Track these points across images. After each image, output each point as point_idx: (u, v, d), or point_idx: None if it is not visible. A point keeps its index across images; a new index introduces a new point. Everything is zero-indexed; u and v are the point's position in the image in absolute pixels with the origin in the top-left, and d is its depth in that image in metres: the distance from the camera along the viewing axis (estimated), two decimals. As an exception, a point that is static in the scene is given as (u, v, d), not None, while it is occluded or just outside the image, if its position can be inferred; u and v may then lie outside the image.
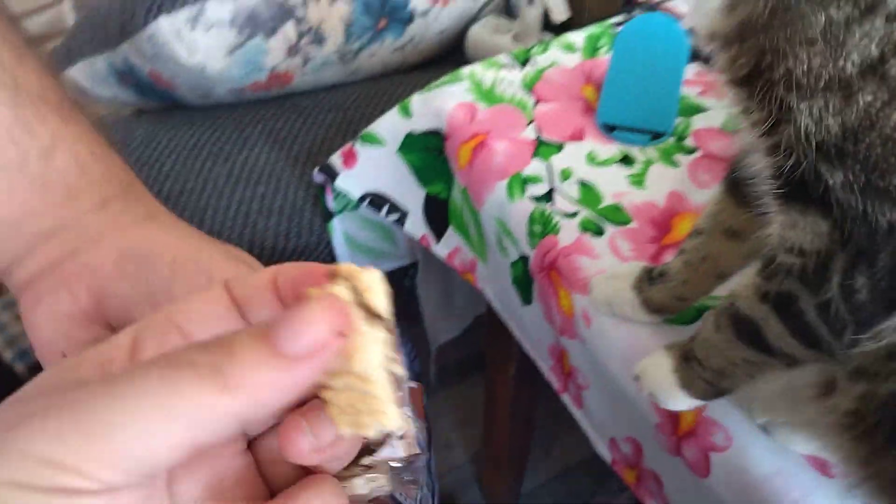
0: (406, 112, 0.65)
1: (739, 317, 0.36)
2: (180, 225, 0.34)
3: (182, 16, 0.67)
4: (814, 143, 0.27)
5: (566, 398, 0.60)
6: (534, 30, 0.83)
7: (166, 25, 0.66)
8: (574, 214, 0.55)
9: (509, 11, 0.89)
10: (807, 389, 0.42)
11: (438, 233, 0.68)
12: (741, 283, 0.37)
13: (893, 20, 0.23)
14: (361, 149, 0.67)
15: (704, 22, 0.29)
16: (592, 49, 0.68)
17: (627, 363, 0.49)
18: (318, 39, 0.75)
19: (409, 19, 0.81)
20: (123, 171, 0.35)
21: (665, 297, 0.47)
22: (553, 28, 0.84)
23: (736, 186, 0.38)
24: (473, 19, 0.87)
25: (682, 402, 0.42)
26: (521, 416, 0.91)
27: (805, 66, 0.25)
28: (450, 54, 0.93)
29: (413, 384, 0.24)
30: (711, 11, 0.29)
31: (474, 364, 1.12)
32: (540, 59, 0.67)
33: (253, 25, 0.70)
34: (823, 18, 0.24)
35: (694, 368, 0.40)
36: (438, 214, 0.67)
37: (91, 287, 0.31)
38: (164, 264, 0.31)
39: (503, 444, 0.94)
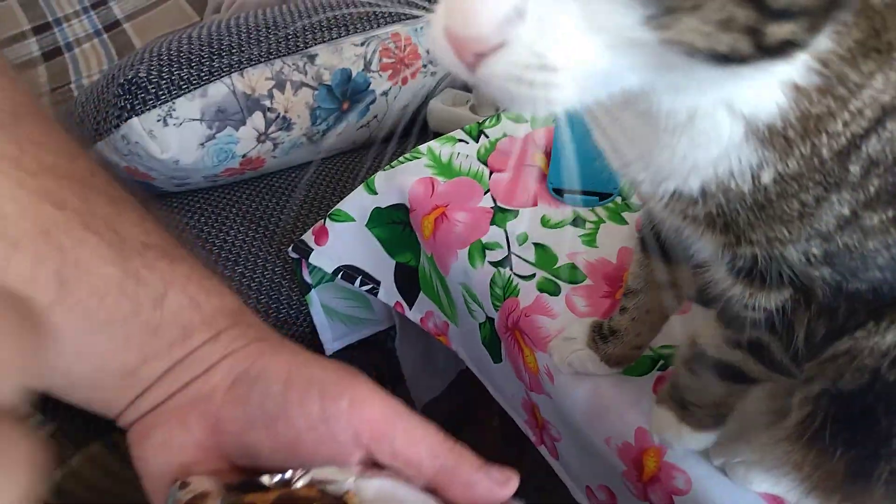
0: (371, 190, 0.69)
1: (716, 362, 0.39)
2: (289, 344, 0.34)
3: (153, 115, 0.71)
4: (799, 261, 0.30)
5: (543, 450, 0.62)
6: (488, 100, 0.89)
7: (138, 125, 0.70)
8: (532, 276, 0.58)
9: (465, 84, 0.95)
10: (761, 419, 0.45)
11: (410, 299, 0.72)
12: (702, 332, 0.40)
13: (857, 188, 0.27)
14: (332, 226, 0.71)
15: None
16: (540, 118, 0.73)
17: (591, 416, 0.52)
18: (286, 125, 0.80)
19: (372, 100, 0.87)
20: (233, 300, 0.35)
21: (623, 351, 0.50)
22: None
23: (656, 247, 0.42)
24: (432, 94, 0.92)
25: (704, 440, 0.45)
26: (513, 461, 0.93)
27: (787, 235, 0.29)
28: (414, 124, 0.98)
29: None
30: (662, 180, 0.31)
31: (462, 417, 1.14)
32: (492, 132, 0.72)
33: (222, 119, 0.74)
34: (797, 204, 0.28)
35: (694, 412, 0.43)
36: (409, 282, 0.71)
37: (204, 416, 0.31)
38: (276, 383, 0.31)
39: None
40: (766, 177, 0.27)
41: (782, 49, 0.21)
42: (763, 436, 0.42)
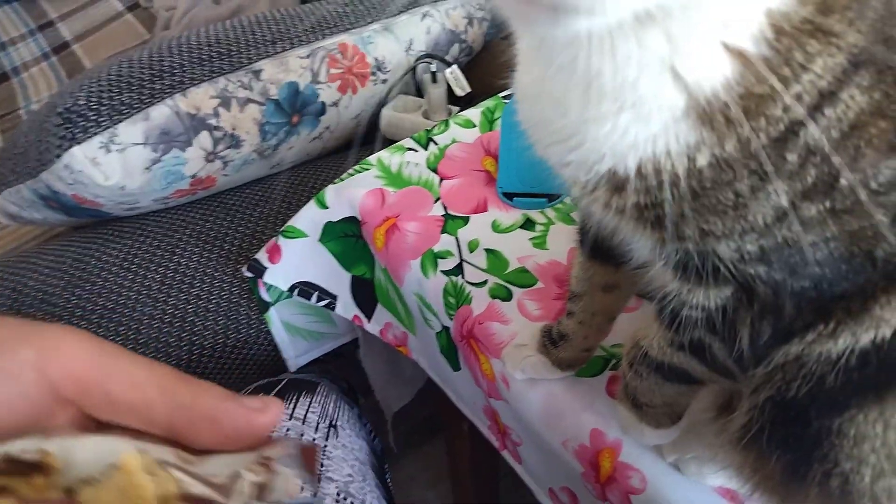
0: (322, 204, 0.69)
1: (661, 364, 0.38)
2: None
3: (94, 143, 0.70)
4: (731, 260, 0.29)
5: (506, 454, 0.62)
6: (440, 105, 0.88)
7: (80, 154, 0.69)
8: (483, 283, 0.58)
9: (417, 90, 0.95)
10: (706, 413, 0.45)
11: (368, 311, 0.71)
12: (643, 333, 0.39)
13: (794, 178, 0.26)
14: (285, 242, 0.70)
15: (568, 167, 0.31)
16: (489, 122, 0.73)
17: (547, 419, 0.52)
18: (235, 143, 0.79)
19: (322, 111, 0.86)
20: None
21: (573, 354, 0.50)
22: (458, 101, 0.90)
23: (595, 249, 0.42)
24: (384, 102, 0.92)
25: (666, 436, 0.45)
26: (483, 469, 0.93)
27: (721, 228, 0.28)
28: (368, 133, 0.98)
29: (307, 444, 0.24)
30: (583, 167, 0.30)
31: (433, 425, 1.14)
32: (441, 139, 0.72)
33: (167, 141, 0.73)
34: (731, 193, 0.27)
35: (647, 412, 0.43)
36: (366, 294, 0.71)
37: None
38: None
39: (471, 497, 0.95)
40: (703, 159, 0.27)
41: None
42: (710, 433, 0.42)
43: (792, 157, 0.26)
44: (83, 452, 0.22)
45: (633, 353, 0.40)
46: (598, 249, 0.42)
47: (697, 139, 0.27)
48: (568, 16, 0.21)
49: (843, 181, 0.27)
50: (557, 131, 0.30)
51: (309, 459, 0.23)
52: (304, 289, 0.72)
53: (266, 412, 0.24)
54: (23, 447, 0.22)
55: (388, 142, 0.81)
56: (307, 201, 0.71)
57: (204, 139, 0.76)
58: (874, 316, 0.28)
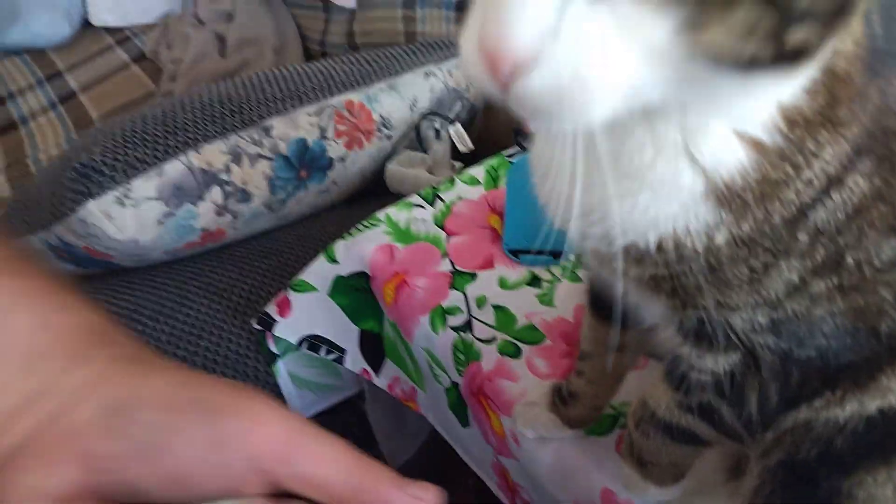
0: (332, 259, 0.70)
1: (668, 425, 0.39)
2: (166, 363, 0.31)
3: (109, 198, 0.71)
4: (743, 330, 0.31)
5: (515, 512, 0.62)
6: (444, 161, 0.91)
7: (95, 209, 0.71)
8: (492, 340, 0.60)
9: (420, 145, 0.97)
10: (716, 475, 0.46)
11: (377, 365, 0.72)
12: (651, 393, 0.40)
13: (805, 256, 0.28)
14: (294, 296, 0.72)
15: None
16: (493, 180, 0.76)
17: (558, 478, 0.52)
18: (245, 197, 0.81)
19: (329, 166, 0.88)
20: (97, 316, 0.31)
21: (583, 412, 0.51)
22: (461, 157, 0.93)
23: (605, 310, 0.44)
24: (389, 156, 0.94)
25: (671, 493, 0.45)
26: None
27: (734, 300, 0.30)
28: (374, 187, 1.00)
29: None
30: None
31: (437, 478, 1.13)
32: (447, 196, 0.74)
33: (180, 196, 0.75)
34: (746, 269, 0.29)
35: (652, 470, 0.44)
36: (374, 348, 0.71)
37: (76, 454, 0.27)
38: (154, 409, 0.27)
39: (474, 557, 0.94)
40: (721, 238, 0.28)
41: (796, 56, 0.21)
42: (720, 493, 0.43)
43: (803, 237, 0.28)
44: None
45: (640, 413, 0.41)
46: (605, 308, 0.44)
47: (716, 219, 0.28)
48: (551, 121, 0.22)
49: (848, 259, 0.28)
50: (580, 205, 0.31)
51: None
52: (314, 342, 0.72)
53: (425, 500, 0.27)
54: None
55: (395, 195, 0.83)
56: (314, 254, 0.72)
57: (215, 194, 0.78)
58: (881, 387, 0.30)
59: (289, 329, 0.72)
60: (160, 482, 0.26)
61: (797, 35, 0.20)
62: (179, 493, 0.26)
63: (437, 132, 0.91)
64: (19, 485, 0.27)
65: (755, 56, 0.20)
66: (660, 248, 0.29)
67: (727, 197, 0.28)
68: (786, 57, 0.21)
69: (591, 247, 0.33)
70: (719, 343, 0.32)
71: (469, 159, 0.91)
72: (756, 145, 0.27)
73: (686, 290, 0.30)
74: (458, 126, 0.92)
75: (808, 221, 0.28)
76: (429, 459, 0.93)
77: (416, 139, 0.97)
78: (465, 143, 0.90)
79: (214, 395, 0.27)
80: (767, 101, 0.26)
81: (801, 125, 0.27)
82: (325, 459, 0.27)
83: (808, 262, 0.29)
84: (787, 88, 0.26)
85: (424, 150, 0.96)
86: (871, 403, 0.30)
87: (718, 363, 0.34)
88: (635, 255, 0.31)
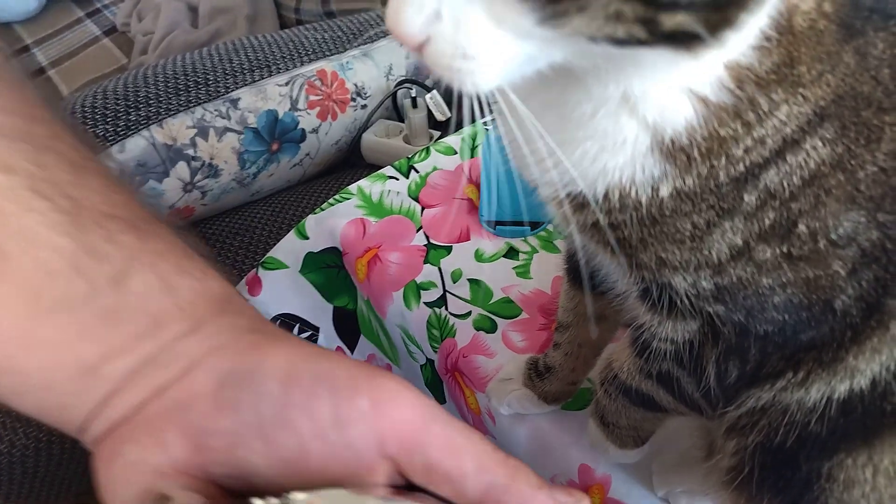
0: (302, 234, 0.68)
1: (628, 388, 0.39)
2: (290, 336, 0.29)
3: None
4: (687, 294, 0.30)
5: (495, 489, 0.61)
6: (421, 131, 0.88)
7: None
8: (467, 314, 0.58)
9: (398, 115, 0.94)
10: (695, 451, 0.45)
11: (352, 343, 0.70)
12: (616, 356, 0.40)
13: (751, 217, 0.27)
14: (265, 274, 0.69)
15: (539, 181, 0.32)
16: (470, 149, 0.73)
17: (535, 455, 0.51)
18: (214, 173, 0.78)
19: (302, 138, 0.85)
20: (220, 284, 0.29)
21: (559, 387, 0.49)
22: (439, 125, 0.90)
23: (580, 278, 0.42)
24: (365, 127, 0.91)
25: (627, 457, 0.44)
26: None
27: (677, 257, 0.29)
28: (349, 158, 0.97)
29: None
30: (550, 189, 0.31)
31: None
32: (422, 166, 0.71)
33: (143, 173, 0.72)
34: (689, 224, 0.28)
35: (613, 430, 0.43)
36: (349, 326, 0.69)
37: (185, 429, 0.25)
38: (273, 381, 0.25)
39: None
40: (665, 190, 0.27)
41: (681, 39, 0.21)
42: (700, 469, 0.41)
43: (749, 198, 0.27)
44: None
45: (605, 372, 0.41)
46: (581, 277, 0.42)
47: (661, 172, 0.27)
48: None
49: (801, 227, 0.27)
50: (534, 152, 0.30)
51: None
52: (286, 321, 0.70)
53: None
54: (337, 500, 0.21)
55: (371, 167, 0.80)
56: (288, 229, 0.69)
57: (181, 170, 0.75)
58: (847, 366, 0.28)
59: (260, 308, 0.69)
60: (274, 462, 0.24)
61: (672, 20, 0.21)
62: (294, 476, 0.24)
63: (414, 101, 0.88)
64: (123, 457, 0.25)
65: (632, 36, 0.21)
66: (606, 197, 0.28)
67: (672, 151, 0.26)
68: (670, 38, 0.21)
69: (548, 194, 0.31)
70: (665, 308, 0.31)
71: (447, 128, 0.88)
72: (703, 102, 0.25)
73: (629, 244, 0.29)
74: (436, 94, 0.88)
75: (758, 182, 0.27)
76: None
77: (392, 108, 0.94)
78: (442, 112, 0.87)
79: (341, 371, 0.25)
80: (708, 60, 0.24)
81: (751, 82, 0.25)
82: (460, 450, 0.23)
83: (754, 225, 0.27)
84: (702, 77, 0.25)
85: (401, 120, 0.93)
86: (841, 386, 0.29)
87: (677, 332, 0.33)
88: (580, 202, 0.29)
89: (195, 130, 0.76)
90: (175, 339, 0.26)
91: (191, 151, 0.75)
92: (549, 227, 0.64)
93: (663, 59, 0.23)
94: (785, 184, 0.26)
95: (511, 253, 0.62)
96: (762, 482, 0.32)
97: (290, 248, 0.68)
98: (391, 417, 0.24)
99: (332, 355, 0.26)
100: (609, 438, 0.43)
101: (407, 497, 0.23)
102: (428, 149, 0.73)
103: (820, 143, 0.26)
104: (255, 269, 0.70)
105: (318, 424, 0.23)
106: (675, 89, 0.25)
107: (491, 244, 0.63)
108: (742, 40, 0.24)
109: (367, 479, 0.23)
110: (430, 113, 0.89)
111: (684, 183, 0.27)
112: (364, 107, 0.91)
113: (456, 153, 0.73)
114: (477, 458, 0.23)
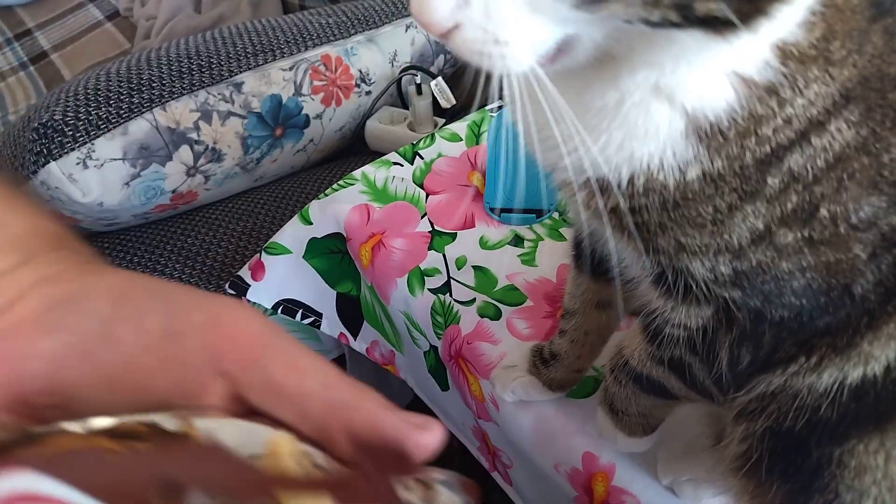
0: (306, 220, 0.67)
1: (639, 375, 0.38)
2: (130, 271, 0.27)
3: (71, 159, 0.68)
4: (705, 280, 0.30)
5: (496, 476, 0.61)
6: (426, 118, 0.87)
7: (56, 170, 0.67)
8: (472, 301, 0.57)
9: (402, 101, 0.93)
10: (702, 440, 0.44)
11: (354, 329, 0.70)
12: (627, 342, 0.39)
13: (773, 201, 0.27)
14: (268, 259, 0.69)
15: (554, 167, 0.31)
16: (475, 136, 0.72)
17: (538, 443, 0.51)
18: (217, 157, 0.77)
19: (306, 123, 0.84)
20: (53, 224, 0.27)
21: (564, 374, 0.49)
22: (444, 113, 0.89)
23: (588, 264, 0.41)
24: (369, 114, 0.91)
25: (640, 444, 0.44)
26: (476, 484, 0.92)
27: (696, 242, 0.28)
28: (353, 145, 0.97)
29: (467, 480, 0.21)
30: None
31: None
32: (427, 153, 0.71)
33: (146, 156, 0.71)
34: (711, 208, 0.27)
35: (622, 419, 0.43)
36: (352, 312, 0.69)
37: (4, 359, 0.23)
38: (104, 300, 0.23)
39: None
40: (692, 173, 0.27)
41: (713, 24, 0.21)
42: (706, 457, 0.41)
43: (773, 181, 0.26)
44: (228, 435, 0.19)
45: (616, 359, 0.40)
46: (588, 262, 0.42)
47: (693, 155, 0.27)
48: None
49: (823, 211, 0.26)
50: (552, 136, 0.29)
51: (470, 492, 0.21)
52: (289, 306, 0.70)
53: (429, 431, 0.21)
54: (168, 420, 0.19)
55: (374, 154, 0.80)
56: (292, 215, 0.69)
57: (184, 153, 0.75)
58: (862, 352, 0.28)
59: (263, 293, 0.69)
60: (98, 382, 0.22)
61: (705, 6, 0.21)
62: (120, 395, 0.21)
63: (419, 87, 0.87)
64: None
65: (665, 20, 0.21)
66: (631, 181, 0.28)
67: (710, 134, 0.26)
68: (702, 22, 0.21)
69: (562, 179, 0.31)
70: (680, 294, 0.31)
71: (452, 115, 0.87)
72: (747, 83, 0.25)
73: (647, 229, 0.29)
74: (441, 80, 0.88)
75: (781, 165, 0.26)
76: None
77: (397, 95, 0.93)
78: (447, 99, 0.86)
79: (179, 290, 0.23)
80: (758, 41, 0.24)
81: (795, 58, 0.25)
82: (303, 368, 0.21)
83: (776, 208, 0.27)
84: (744, 59, 0.25)
85: (406, 107, 0.92)
86: (854, 371, 0.28)
87: (691, 317, 0.32)
88: (601, 186, 0.29)
89: (198, 114, 0.75)
90: (3, 271, 0.24)
91: (194, 135, 0.75)
92: (555, 215, 0.64)
93: (696, 42, 0.23)
94: (809, 167, 0.26)
95: (516, 240, 0.62)
96: (772, 468, 0.32)
97: (293, 234, 0.68)
98: (229, 332, 0.22)
99: (174, 283, 0.25)
100: (618, 427, 0.43)
101: (249, 420, 0.21)
102: (433, 135, 0.73)
103: (844, 126, 0.25)
104: (258, 254, 0.70)
105: (147, 338, 0.21)
106: (717, 73, 0.25)
107: (496, 231, 0.63)
108: (789, 19, 0.24)
109: (198, 399, 0.21)
110: (434, 100, 0.89)
111: (712, 165, 0.27)
112: (368, 93, 0.90)
113: (461, 140, 0.72)
114: (321, 377, 0.21)
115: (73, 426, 0.19)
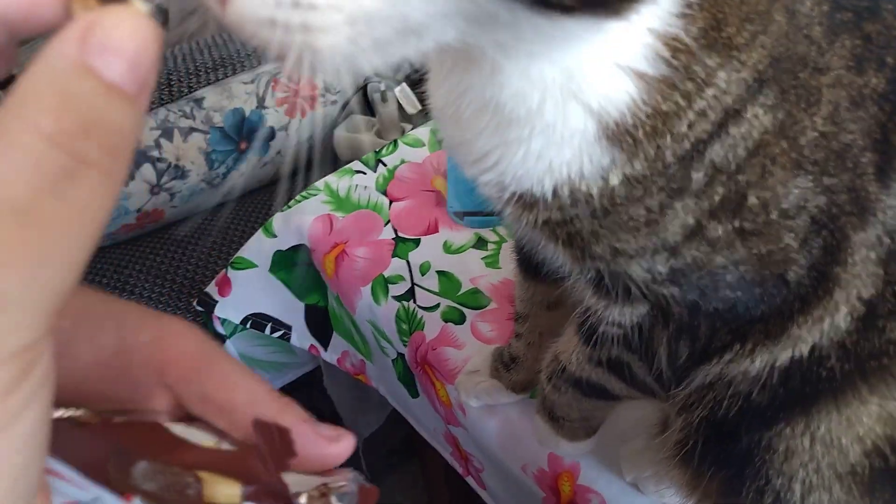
0: (270, 233, 0.67)
1: (578, 379, 0.38)
2: (92, 289, 0.30)
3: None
4: (644, 280, 0.29)
5: (470, 481, 0.61)
6: (393, 124, 0.87)
7: (14, 195, 0.67)
8: (436, 307, 0.57)
9: (370, 109, 0.93)
10: (651, 428, 0.44)
11: (325, 340, 0.69)
12: (563, 348, 0.39)
13: (701, 195, 0.26)
14: (234, 274, 0.68)
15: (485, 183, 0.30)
16: (438, 141, 0.72)
17: (505, 445, 0.51)
18: (181, 174, 0.77)
19: (271, 136, 0.84)
20: None
21: (526, 376, 0.49)
22: (410, 119, 0.89)
23: (532, 268, 0.41)
24: (336, 123, 0.90)
25: (578, 449, 0.44)
26: (460, 491, 0.91)
27: (632, 245, 0.28)
28: (321, 155, 0.96)
29: (368, 486, 0.24)
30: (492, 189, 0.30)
31: (404, 450, 1.12)
32: (390, 160, 0.71)
33: (107, 176, 0.71)
34: (643, 210, 0.27)
35: (564, 425, 0.43)
36: (321, 323, 0.69)
37: None
38: (67, 319, 0.25)
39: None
40: (615, 178, 0.27)
41: (608, 2, 0.20)
42: (655, 445, 0.41)
43: (698, 176, 0.26)
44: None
45: (553, 367, 0.40)
46: (532, 266, 0.42)
47: (610, 160, 0.26)
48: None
49: (751, 199, 0.26)
50: (473, 152, 0.29)
51: (365, 501, 0.23)
52: (257, 321, 0.70)
53: (339, 443, 0.24)
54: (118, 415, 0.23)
55: (345, 163, 0.79)
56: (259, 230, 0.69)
57: (147, 172, 0.74)
58: (792, 336, 0.28)
59: (230, 308, 0.69)
60: (62, 388, 0.23)
61: None
62: (78, 400, 0.25)
63: (384, 94, 0.87)
64: None
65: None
66: (555, 193, 0.28)
67: (619, 135, 0.26)
68: (595, 3, 0.20)
69: (489, 194, 0.30)
70: (618, 295, 0.31)
71: (422, 121, 0.87)
72: (641, 77, 0.25)
73: (581, 237, 0.29)
74: (405, 86, 0.88)
75: (703, 158, 0.26)
76: (395, 433, 0.92)
77: (363, 103, 0.93)
78: (413, 104, 0.86)
79: (132, 312, 0.26)
80: (636, 31, 0.24)
81: (683, 51, 0.24)
82: (235, 384, 0.25)
83: (704, 202, 0.27)
84: (635, 50, 0.24)
85: (373, 114, 0.92)
86: (783, 354, 0.28)
87: (626, 315, 0.32)
88: (528, 201, 0.29)
89: (159, 132, 0.75)
90: None
91: (156, 153, 0.74)
92: (518, 216, 0.64)
93: (563, 31, 0.21)
94: (730, 157, 0.26)
95: (480, 243, 0.62)
96: (705, 455, 0.32)
97: (258, 248, 0.68)
98: (172, 350, 0.25)
99: (128, 302, 0.28)
100: (560, 433, 0.43)
101: (187, 424, 0.24)
102: (396, 142, 0.73)
103: (761, 112, 0.25)
104: (224, 270, 0.69)
105: (101, 354, 0.25)
106: (611, 66, 0.25)
107: (459, 235, 0.63)
108: (662, 9, 0.23)
109: (146, 405, 0.25)
110: (401, 106, 0.89)
111: (633, 168, 0.26)
112: (334, 102, 0.90)
113: (424, 145, 0.72)
114: (249, 393, 0.25)
115: None
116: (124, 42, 0.15)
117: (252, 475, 0.21)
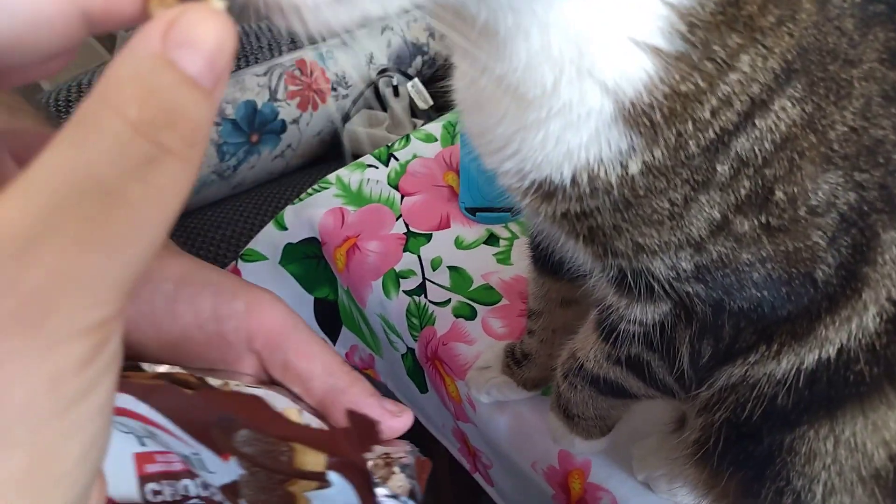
0: (281, 225, 0.67)
1: (596, 377, 0.37)
2: (189, 254, 0.32)
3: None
4: (667, 278, 0.29)
5: (477, 477, 0.60)
6: (404, 120, 0.87)
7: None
8: (447, 302, 0.57)
9: (381, 104, 0.93)
10: (664, 426, 0.44)
11: (333, 334, 0.69)
12: (580, 345, 0.39)
13: (726, 188, 0.26)
14: (244, 266, 0.68)
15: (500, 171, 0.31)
16: (450, 136, 0.72)
17: (515, 442, 0.50)
18: (191, 165, 0.77)
19: (282, 129, 0.84)
20: None
21: (538, 373, 0.49)
22: (421, 114, 0.89)
23: (547, 265, 0.41)
24: (347, 117, 0.90)
25: (593, 447, 0.44)
26: (464, 488, 0.91)
27: (655, 240, 0.28)
28: (332, 149, 0.96)
29: (423, 458, 0.26)
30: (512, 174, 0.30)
31: (415, 441, 1.12)
32: (402, 154, 0.70)
33: (119, 165, 0.71)
34: (666, 202, 0.27)
35: (578, 423, 0.42)
36: (330, 317, 0.69)
37: None
38: (169, 282, 0.28)
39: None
40: (634, 166, 0.26)
41: None
42: (670, 443, 0.41)
43: (723, 168, 0.26)
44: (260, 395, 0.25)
45: (569, 364, 0.40)
46: (549, 264, 0.41)
47: (629, 145, 0.26)
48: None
49: (778, 194, 0.26)
50: (494, 140, 0.29)
51: (421, 472, 0.25)
52: (267, 313, 0.69)
53: (400, 417, 0.26)
54: (213, 378, 0.25)
55: (355, 157, 0.79)
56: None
57: (158, 162, 0.74)
58: (819, 336, 0.28)
59: (240, 300, 0.69)
60: (161, 345, 0.28)
61: None
62: (177, 357, 0.28)
63: (396, 89, 0.87)
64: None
65: None
66: (574, 181, 0.27)
67: (636, 117, 0.25)
68: None
69: (508, 184, 0.30)
70: (640, 294, 0.30)
71: (431, 117, 0.87)
72: (657, 52, 0.24)
73: (603, 232, 0.28)
74: (417, 82, 0.87)
75: (728, 150, 0.25)
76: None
77: (374, 97, 0.93)
78: (424, 100, 0.86)
79: (227, 281, 0.29)
80: (649, 1, 0.23)
81: (700, 26, 0.24)
82: (313, 355, 0.27)
83: (730, 196, 0.26)
84: (649, 24, 0.23)
85: (385, 109, 0.92)
86: (809, 356, 0.28)
87: (647, 314, 0.32)
88: (548, 190, 0.28)
89: (172, 122, 0.74)
90: None
91: (168, 144, 0.74)
92: (530, 213, 0.63)
93: None
94: (756, 150, 0.25)
95: (491, 239, 0.62)
96: (724, 455, 0.32)
97: (268, 240, 0.68)
98: (261, 320, 0.27)
99: (222, 270, 0.30)
100: (574, 431, 0.42)
101: (268, 388, 0.27)
102: (408, 136, 0.72)
103: (789, 104, 0.25)
104: (234, 262, 0.69)
105: (200, 316, 0.27)
106: (625, 40, 0.24)
107: (471, 231, 0.63)
108: None
109: (235, 367, 0.27)
110: (412, 101, 0.88)
111: (653, 156, 0.26)
112: (346, 97, 0.90)
113: (436, 140, 0.72)
114: (325, 364, 0.27)
115: (145, 366, 0.26)
116: (204, 38, 0.16)
117: (338, 451, 0.23)
